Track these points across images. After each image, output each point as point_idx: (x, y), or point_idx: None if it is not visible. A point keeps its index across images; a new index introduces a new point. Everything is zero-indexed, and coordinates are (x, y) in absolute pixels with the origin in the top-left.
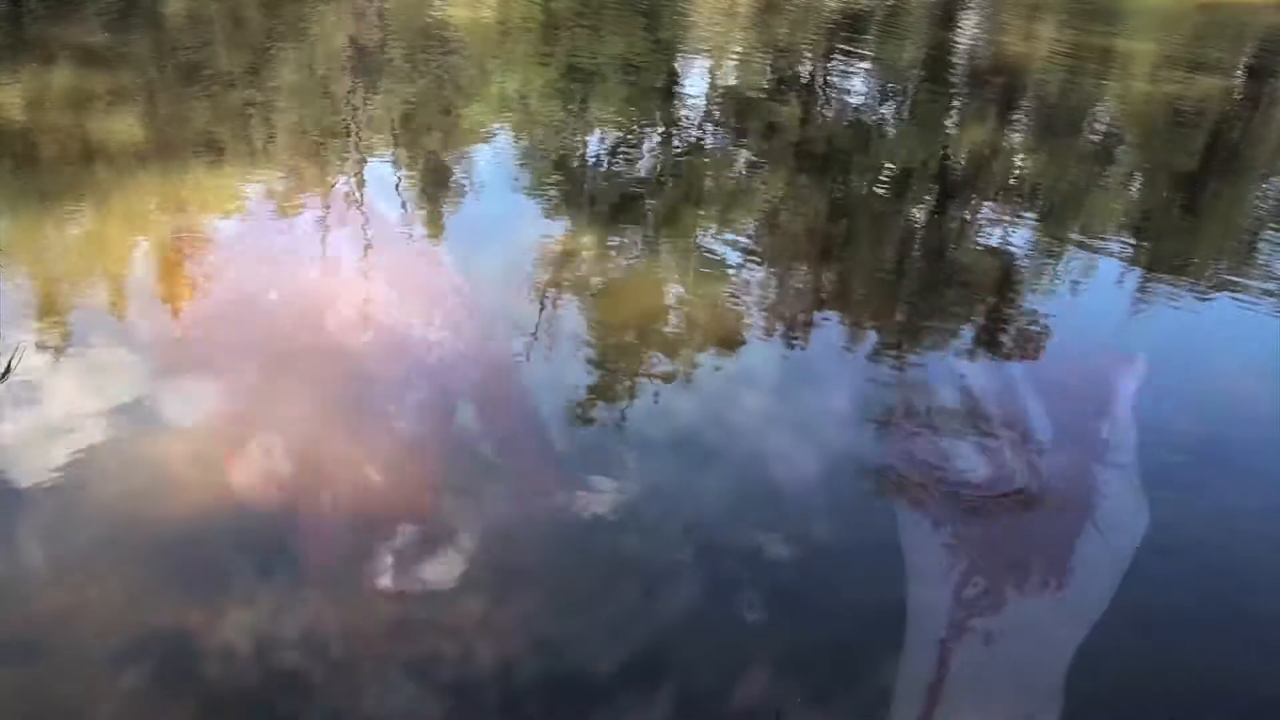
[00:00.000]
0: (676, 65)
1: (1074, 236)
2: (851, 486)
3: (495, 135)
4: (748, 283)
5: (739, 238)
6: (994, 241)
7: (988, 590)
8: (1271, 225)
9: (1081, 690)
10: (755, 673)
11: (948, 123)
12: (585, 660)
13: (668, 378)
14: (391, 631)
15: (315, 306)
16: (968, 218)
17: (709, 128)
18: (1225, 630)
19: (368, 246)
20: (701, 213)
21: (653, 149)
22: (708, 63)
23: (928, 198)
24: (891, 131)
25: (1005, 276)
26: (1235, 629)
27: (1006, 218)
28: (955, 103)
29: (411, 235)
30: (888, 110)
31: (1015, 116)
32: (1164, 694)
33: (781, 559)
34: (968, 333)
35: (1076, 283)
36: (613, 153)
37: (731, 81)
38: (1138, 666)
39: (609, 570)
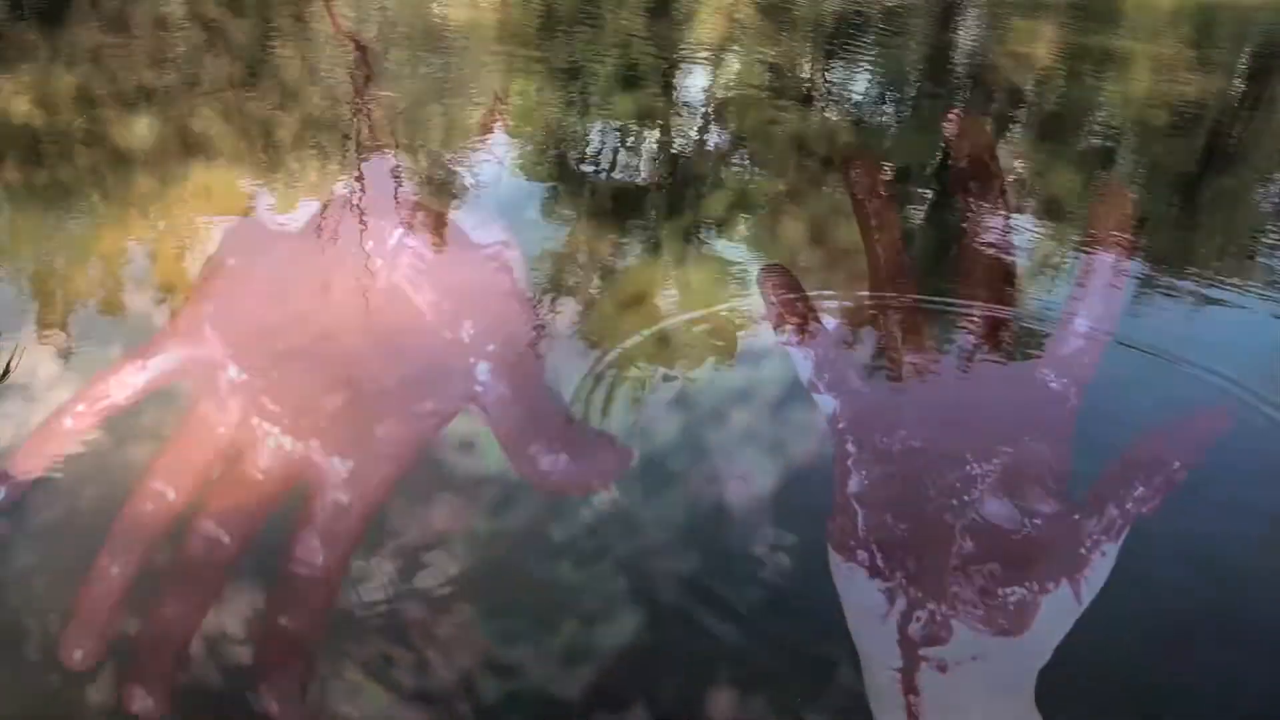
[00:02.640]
0: (678, 64)
1: (1073, 236)
2: None
3: (494, 135)
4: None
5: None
6: (992, 241)
7: (976, 587)
8: (1272, 226)
9: (1078, 691)
10: None
11: (946, 122)
12: None
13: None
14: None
15: (316, 305)
16: (966, 217)
17: (711, 126)
18: (1224, 633)
19: (368, 245)
20: (704, 212)
21: (654, 148)
22: (710, 61)
23: (926, 197)
24: (890, 131)
25: (1003, 276)
26: (1235, 631)
27: (1005, 217)
28: (953, 103)
29: (412, 234)
30: (887, 110)
31: (1014, 116)
32: (1162, 694)
33: None
34: (967, 332)
35: (1074, 282)
36: (613, 152)
37: (733, 81)
38: (1135, 667)
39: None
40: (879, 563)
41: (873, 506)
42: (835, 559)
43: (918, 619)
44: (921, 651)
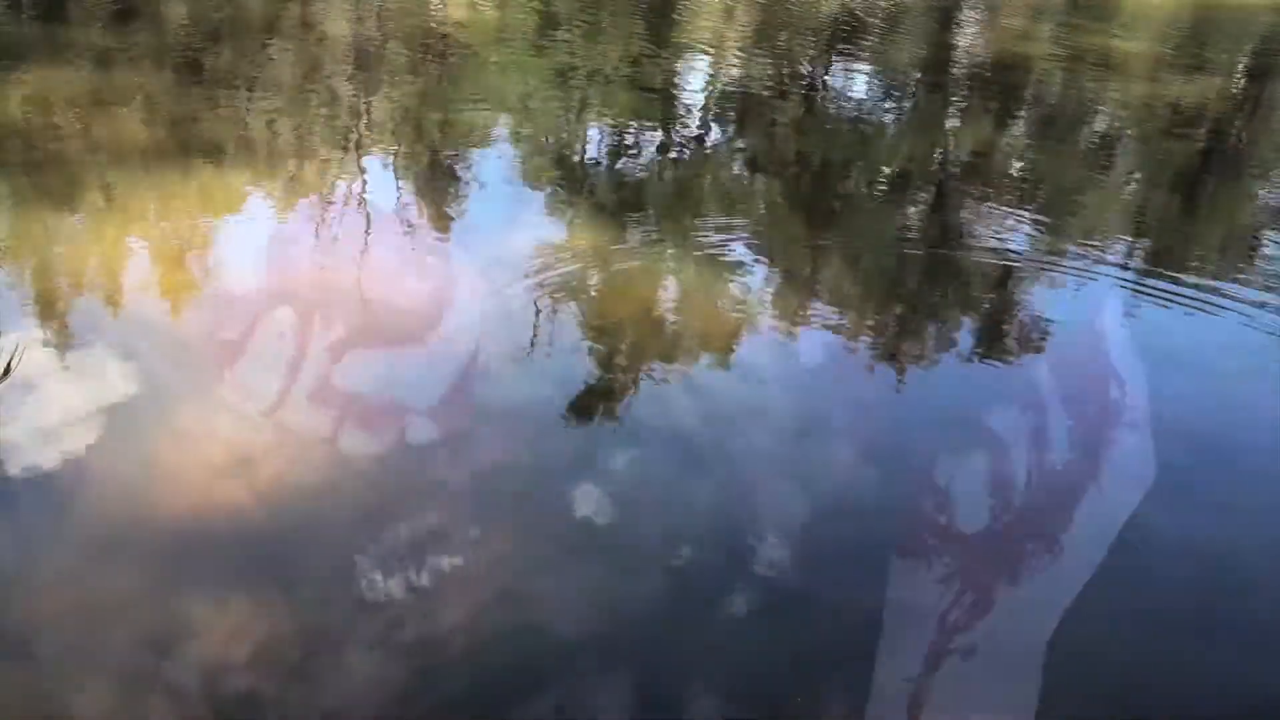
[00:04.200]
0: (676, 65)
1: (1072, 236)
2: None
3: (494, 135)
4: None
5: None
6: (991, 241)
7: (983, 585)
8: (1270, 227)
9: (1079, 689)
10: None
11: (947, 123)
12: None
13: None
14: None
15: (317, 307)
16: (966, 218)
17: (709, 126)
18: (1226, 630)
19: (368, 246)
20: (702, 211)
21: (652, 148)
22: (707, 62)
23: (925, 197)
24: (890, 131)
25: (1003, 278)
26: (1235, 629)
27: (1004, 217)
28: (954, 103)
29: (412, 234)
30: (887, 110)
31: (1014, 117)
32: (1164, 694)
33: None
34: (967, 334)
35: (1075, 283)
36: (612, 152)
37: (731, 81)
38: (1137, 665)
39: None
40: (945, 556)
41: (953, 506)
42: (898, 563)
43: (963, 602)
44: (953, 643)
